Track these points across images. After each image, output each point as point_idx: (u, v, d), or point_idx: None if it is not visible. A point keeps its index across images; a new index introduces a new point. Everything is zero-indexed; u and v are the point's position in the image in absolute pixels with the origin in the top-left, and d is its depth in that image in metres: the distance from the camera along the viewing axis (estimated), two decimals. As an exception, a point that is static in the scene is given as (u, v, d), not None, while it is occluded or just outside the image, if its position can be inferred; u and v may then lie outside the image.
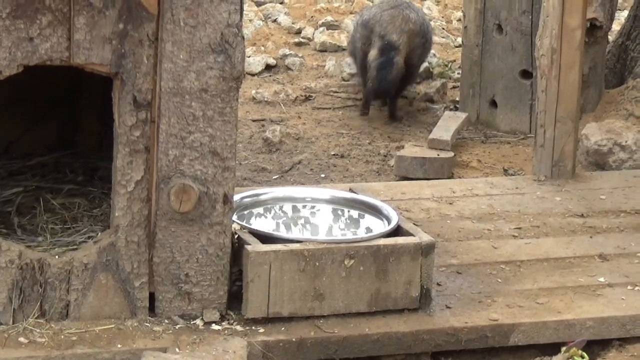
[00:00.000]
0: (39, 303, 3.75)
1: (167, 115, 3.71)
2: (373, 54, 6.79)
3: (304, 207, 4.63)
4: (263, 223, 4.40)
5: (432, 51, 8.04)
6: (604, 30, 6.72)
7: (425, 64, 7.68)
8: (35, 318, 3.72)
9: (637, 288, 4.51)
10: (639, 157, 6.28)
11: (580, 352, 4.06)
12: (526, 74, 6.70)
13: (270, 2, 9.39)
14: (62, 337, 3.67)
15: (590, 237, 5.08)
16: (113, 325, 3.78)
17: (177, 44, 3.69)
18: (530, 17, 6.66)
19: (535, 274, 4.61)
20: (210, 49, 3.73)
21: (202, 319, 3.89)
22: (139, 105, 3.69)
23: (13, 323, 3.71)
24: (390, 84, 6.81)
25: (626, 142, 6.24)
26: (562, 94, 5.62)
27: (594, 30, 6.40)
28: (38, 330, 3.68)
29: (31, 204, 4.32)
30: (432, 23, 8.58)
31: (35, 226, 4.13)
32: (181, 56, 3.70)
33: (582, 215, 5.35)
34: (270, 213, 4.55)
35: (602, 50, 6.93)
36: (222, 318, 3.92)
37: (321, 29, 8.75)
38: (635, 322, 4.27)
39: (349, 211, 4.55)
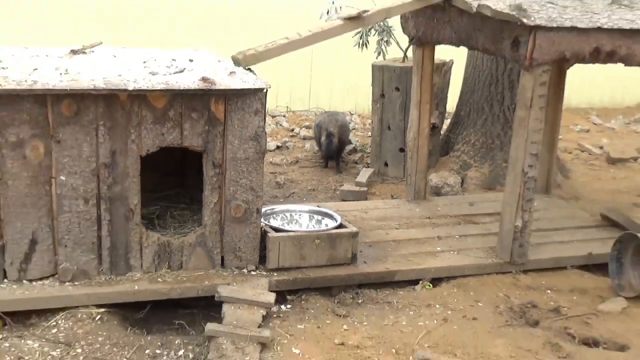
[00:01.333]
0: (167, 262, 4.46)
1: (229, 170, 4.38)
2: (323, 138, 7.31)
3: (295, 214, 5.26)
4: (275, 222, 4.99)
5: (356, 138, 8.33)
6: (438, 128, 7.23)
7: (352, 145, 8.05)
8: (165, 269, 4.46)
9: (456, 253, 5.16)
10: (456, 190, 6.73)
11: (428, 283, 4.83)
12: (402, 150, 7.04)
13: (278, 115, 9.67)
14: (179, 278, 4.39)
15: (433, 228, 5.66)
16: (203, 273, 4.47)
17: (234, 135, 4.34)
18: (403, 122, 6.98)
19: (407, 246, 5.24)
20: (249, 138, 4.37)
21: (246, 269, 4.58)
22: (215, 165, 4.37)
23: (155, 271, 4.42)
24: (333, 152, 7.35)
25: (450, 182, 6.76)
26: (419, 160, 6.12)
27: (434, 128, 6.81)
28: (167, 275, 4.42)
29: (164, 214, 5.00)
30: (355, 126, 9.01)
31: (166, 225, 4.82)
32: (235, 142, 4.36)
33: (429, 218, 5.91)
34: (279, 217, 5.17)
35: (438, 138, 7.32)
36: (256, 268, 4.59)
37: (303, 128, 9.05)
38: (454, 269, 4.97)
39: (317, 217, 5.20)
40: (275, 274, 4.58)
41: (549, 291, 4.90)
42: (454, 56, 7.25)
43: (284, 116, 9.64)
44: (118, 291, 4.24)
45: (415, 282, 4.89)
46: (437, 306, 4.57)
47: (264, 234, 4.64)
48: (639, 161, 8.22)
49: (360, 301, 4.62)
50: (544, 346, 4.13)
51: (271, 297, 4.24)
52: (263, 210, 4.86)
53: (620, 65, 5.08)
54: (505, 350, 4.03)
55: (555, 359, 4.03)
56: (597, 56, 4.85)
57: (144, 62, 4.67)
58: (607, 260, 5.11)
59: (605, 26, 4.74)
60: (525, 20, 4.55)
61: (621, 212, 6.09)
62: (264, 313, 4.16)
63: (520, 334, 4.26)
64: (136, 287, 4.28)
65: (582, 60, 4.89)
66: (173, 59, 4.79)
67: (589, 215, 6.20)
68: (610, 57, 4.91)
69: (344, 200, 6.40)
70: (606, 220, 6.00)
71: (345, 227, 4.88)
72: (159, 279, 4.41)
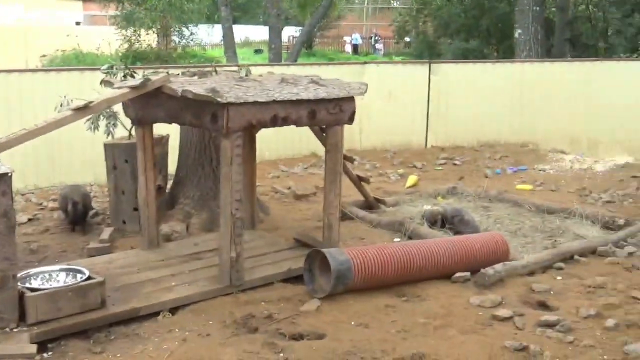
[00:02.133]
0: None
1: None
2: (69, 207, 6.89)
3: (54, 273, 4.95)
4: (36, 283, 4.76)
5: (97, 204, 7.94)
6: (163, 188, 7.04)
7: (94, 210, 7.60)
8: None
9: (188, 285, 5.10)
10: (184, 234, 6.66)
11: (167, 313, 4.76)
12: (136, 209, 6.65)
13: (28, 192, 9.02)
14: None
15: (167, 267, 5.51)
16: None
17: None
18: (134, 187, 6.58)
19: (147, 286, 5.09)
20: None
21: (8, 328, 4.31)
22: None
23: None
24: (78, 218, 6.95)
25: (177, 229, 6.68)
26: (150, 215, 6.04)
27: (160, 189, 6.55)
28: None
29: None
30: (95, 194, 8.65)
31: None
32: None
33: (163, 260, 5.64)
34: (38, 278, 4.85)
35: (164, 196, 7.02)
36: (17, 326, 4.33)
37: (50, 201, 8.37)
38: (187, 298, 4.94)
39: (71, 273, 4.92)
40: (35, 328, 4.40)
41: (262, 303, 5.02)
42: (170, 130, 7.34)
43: (33, 193, 9.12)
44: None
45: (157, 314, 4.84)
46: (177, 330, 4.55)
47: (21, 295, 4.44)
48: (317, 195, 8.60)
49: (112, 337, 4.49)
50: (263, 346, 4.25)
51: (33, 349, 4.09)
52: (21, 274, 4.66)
53: (293, 126, 5.53)
54: (234, 356, 4.09)
55: (273, 355, 4.16)
56: (275, 121, 5.21)
57: None
58: (302, 272, 5.40)
59: (279, 99, 5.10)
60: (219, 99, 4.78)
61: (308, 235, 6.43)
62: (29, 363, 3.91)
63: (244, 341, 4.35)
64: None
65: (266, 125, 5.23)
66: None
67: (286, 240, 6.46)
68: (285, 121, 5.29)
69: (91, 256, 6.18)
70: (298, 242, 6.29)
71: (93, 278, 4.77)
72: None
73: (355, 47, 41.32)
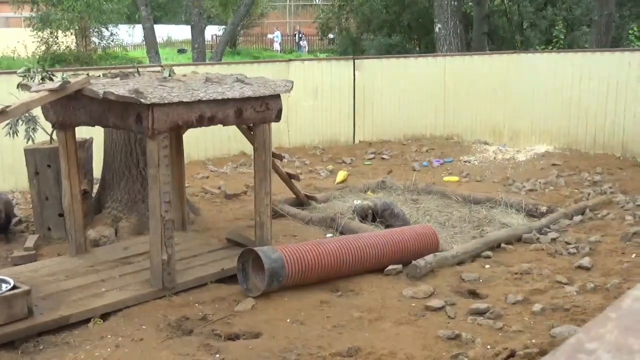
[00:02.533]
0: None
1: None
2: None
3: None
4: None
5: (20, 211, 7.71)
6: (89, 193, 6.89)
7: (17, 217, 7.31)
8: None
9: (119, 290, 5.00)
10: (112, 239, 6.51)
11: (98, 319, 4.64)
12: (61, 215, 6.53)
13: None
14: None
15: (97, 273, 5.32)
16: None
17: None
18: (59, 192, 6.56)
19: (76, 293, 4.99)
20: None
21: None
22: None
23: None
24: (0, 226, 6.71)
25: (106, 234, 6.53)
26: (76, 220, 5.92)
27: (85, 193, 6.41)
28: None
29: None
30: (17, 201, 8.29)
31: None
32: None
33: (92, 266, 5.52)
34: None
35: (90, 201, 6.84)
36: None
37: None
38: (118, 303, 4.82)
39: None
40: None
41: (197, 304, 5.00)
42: (93, 133, 7.17)
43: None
44: None
45: (88, 321, 4.75)
46: (109, 336, 4.48)
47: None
48: (248, 194, 8.60)
49: (41, 347, 4.38)
50: (199, 348, 4.22)
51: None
52: None
53: (220, 126, 5.49)
54: (170, 359, 4.06)
55: (209, 356, 4.12)
56: (202, 121, 5.18)
57: None
58: (235, 272, 5.38)
59: (204, 98, 5.07)
60: (143, 100, 4.71)
61: (240, 234, 6.40)
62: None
63: (179, 343, 4.31)
64: None
65: (192, 125, 5.20)
66: None
67: (217, 240, 6.43)
68: (211, 121, 5.26)
69: (16, 265, 5.98)
70: (231, 242, 6.28)
71: (18, 287, 4.61)
72: None
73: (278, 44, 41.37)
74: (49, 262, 5.99)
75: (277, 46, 41.39)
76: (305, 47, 41.53)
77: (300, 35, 42.65)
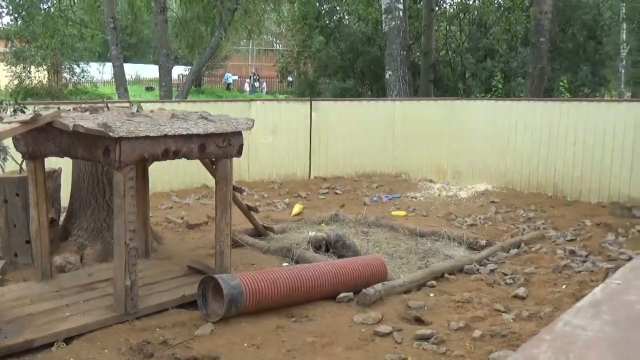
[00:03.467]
0: None
1: None
2: None
3: None
4: None
5: None
6: (57, 221, 6.76)
7: None
8: None
9: (82, 315, 4.87)
10: (78, 266, 6.30)
11: (62, 343, 4.52)
12: (28, 242, 6.32)
13: None
14: None
15: (61, 299, 5.13)
16: None
17: None
18: (26, 220, 6.40)
19: (41, 317, 4.86)
20: None
21: None
22: None
23: None
24: None
25: (71, 260, 6.27)
26: (43, 247, 5.78)
27: (52, 221, 6.34)
28: None
29: None
30: None
31: None
32: None
33: (57, 291, 5.35)
34: None
35: (57, 228, 6.73)
36: None
37: None
38: (82, 328, 4.70)
39: None
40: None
41: (158, 329, 4.90)
42: (62, 164, 7.04)
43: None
44: None
45: (52, 344, 4.60)
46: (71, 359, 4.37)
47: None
48: (209, 224, 8.54)
49: None
50: None
51: None
52: None
53: (185, 159, 5.45)
54: None
55: None
56: (167, 155, 5.13)
57: None
58: (196, 298, 5.31)
59: (170, 133, 5.03)
60: (111, 134, 4.65)
61: (201, 262, 6.32)
62: None
63: None
64: None
65: (158, 158, 5.13)
66: None
67: (179, 268, 6.33)
68: (176, 155, 5.21)
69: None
70: (192, 270, 6.19)
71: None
72: None
73: (228, 86, 41.54)
74: (15, 287, 5.81)
75: (247, 87, 41.54)
76: (263, 88, 41.72)
77: (256, 77, 42.91)
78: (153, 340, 4.65)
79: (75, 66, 26.36)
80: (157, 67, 21.45)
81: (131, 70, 35.10)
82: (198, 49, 22.31)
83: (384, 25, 16.80)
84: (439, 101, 13.74)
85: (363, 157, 12.89)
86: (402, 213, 9.97)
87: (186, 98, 19.94)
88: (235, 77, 43.43)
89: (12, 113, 5.72)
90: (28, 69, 23.41)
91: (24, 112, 5.64)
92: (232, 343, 4.66)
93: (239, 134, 5.65)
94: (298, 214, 9.77)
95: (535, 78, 14.65)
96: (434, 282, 6.27)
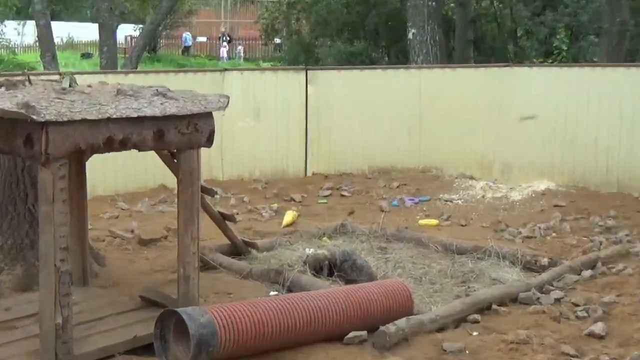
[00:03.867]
0: None
1: None
2: None
3: None
4: None
5: None
6: None
7: None
8: None
9: None
10: None
11: None
12: None
13: None
14: None
15: None
16: None
17: None
18: None
19: None
20: None
21: None
22: None
23: None
24: None
25: None
26: None
27: None
28: None
29: None
30: None
31: None
32: None
33: None
34: None
35: None
36: None
37: None
38: None
39: None
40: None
41: None
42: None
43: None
44: None
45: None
46: None
47: None
48: (169, 239, 8.50)
49: None
50: None
51: None
52: None
53: (135, 152, 5.44)
54: None
55: None
56: (111, 145, 5.09)
57: None
58: (152, 341, 5.26)
59: (115, 116, 5.00)
60: (34, 117, 4.61)
61: (158, 291, 6.30)
62: None
63: None
64: None
65: (99, 150, 5.11)
66: None
67: (129, 299, 6.30)
68: (124, 145, 5.18)
69: None
70: (146, 301, 6.16)
71: None
72: None
73: (186, 50, 41.57)
74: None
75: (224, 52, 41.52)
76: (238, 53, 41.73)
77: (225, 38, 42.73)
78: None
79: (-16, 26, 26.34)
80: (96, 26, 21.45)
81: (61, 30, 35.07)
82: (152, 1, 22.34)
83: (405, -35, 16.74)
84: (480, 69, 13.73)
85: (379, 146, 12.82)
86: (433, 222, 9.93)
87: (136, 68, 19.91)
88: (203, 39, 43.47)
89: None
90: None
91: None
92: (202, 402, 4.64)
93: (208, 115, 5.64)
94: (290, 224, 9.72)
95: (613, 36, 14.57)
96: (477, 317, 6.23)
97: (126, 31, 36.72)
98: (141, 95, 5.48)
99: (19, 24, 32.24)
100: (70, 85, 5.82)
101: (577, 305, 6.49)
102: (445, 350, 5.50)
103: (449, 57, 18.76)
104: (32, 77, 6.26)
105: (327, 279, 7.09)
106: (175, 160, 5.88)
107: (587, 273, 7.37)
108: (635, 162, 10.94)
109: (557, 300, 6.65)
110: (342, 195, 11.51)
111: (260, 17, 27.83)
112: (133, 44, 28.94)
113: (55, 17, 32.47)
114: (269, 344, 5.34)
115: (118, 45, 23.23)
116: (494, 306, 6.49)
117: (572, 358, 5.34)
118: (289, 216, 10.01)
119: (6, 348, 5.28)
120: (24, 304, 6.17)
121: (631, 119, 10.91)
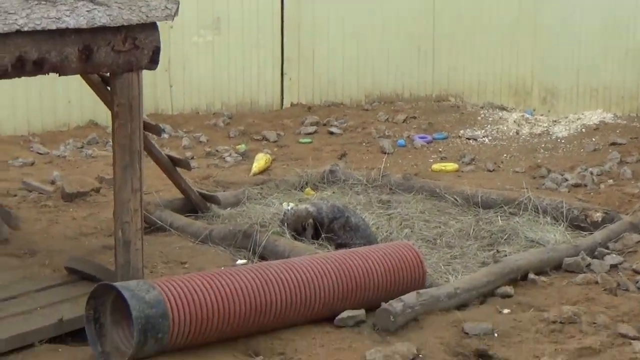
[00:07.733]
0: None
1: None
2: None
3: None
4: None
5: None
6: None
7: None
8: None
9: None
10: None
11: None
12: None
13: None
14: None
15: None
16: None
17: None
18: None
19: None
20: None
21: None
22: None
23: None
24: None
25: None
26: None
27: None
28: None
29: None
30: None
31: None
32: None
33: None
34: None
35: None
36: None
37: None
38: None
39: None
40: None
41: None
42: None
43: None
44: None
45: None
46: None
47: None
48: (102, 192, 8.55)
49: None
50: None
51: None
52: None
53: (55, 76, 5.39)
54: None
55: None
56: (23, 68, 5.07)
57: None
58: (83, 325, 5.24)
59: (26, 28, 4.95)
60: None
61: (89, 261, 6.34)
62: None
63: None
64: None
65: (6, 74, 5.09)
66: None
67: (51, 271, 6.35)
68: (40, 67, 5.14)
69: None
70: (74, 274, 6.19)
71: None
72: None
73: None
74: None
75: None
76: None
77: None
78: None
79: None
80: None
81: None
82: None
83: None
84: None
85: (379, 69, 12.83)
86: (451, 166, 10.03)
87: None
88: None
89: None
90: None
91: None
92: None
93: (151, 27, 5.59)
94: (263, 172, 9.79)
95: None
96: (509, 289, 6.27)
97: None
98: (61, 1, 5.40)
99: None
100: (-34, -12, 5.75)
101: (639, 273, 6.52)
102: (467, 334, 5.54)
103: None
104: None
105: (311, 243, 7.13)
106: (109, 88, 5.87)
107: (653, 231, 7.31)
108: None
109: (614, 266, 6.68)
110: (331, 133, 11.59)
111: None
112: None
113: None
114: (236, 329, 5.36)
115: None
116: (531, 275, 6.52)
117: (632, 341, 5.35)
118: (260, 161, 10.07)
119: None
120: None
121: None
